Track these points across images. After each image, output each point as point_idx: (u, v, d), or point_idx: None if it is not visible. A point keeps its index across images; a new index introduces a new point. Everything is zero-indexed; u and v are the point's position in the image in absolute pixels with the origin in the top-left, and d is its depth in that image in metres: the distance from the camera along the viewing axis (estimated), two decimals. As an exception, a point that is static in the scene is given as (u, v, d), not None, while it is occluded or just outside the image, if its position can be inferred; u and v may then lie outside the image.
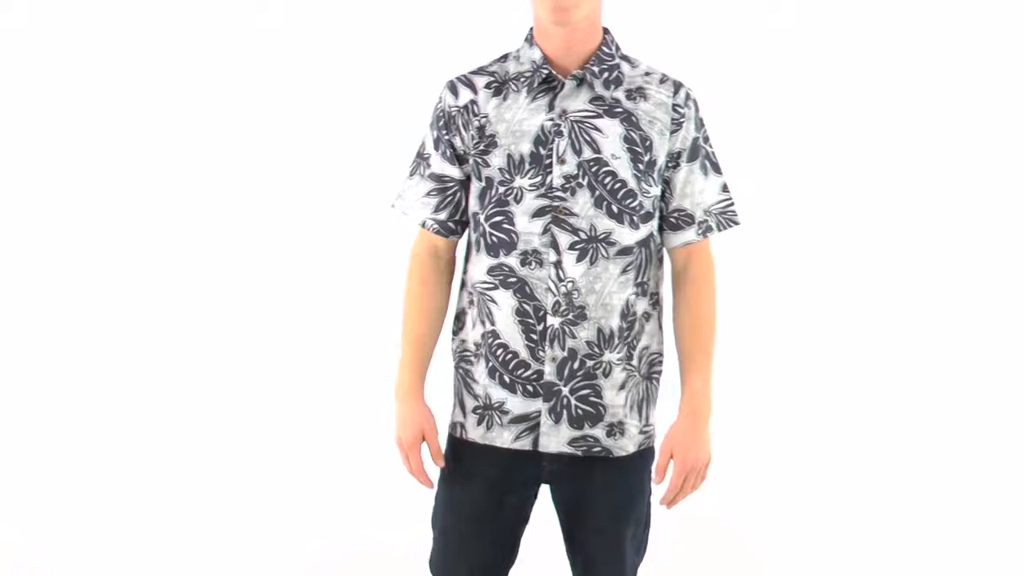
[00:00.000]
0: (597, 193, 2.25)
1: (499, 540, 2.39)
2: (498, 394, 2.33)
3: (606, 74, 2.28)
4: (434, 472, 2.46)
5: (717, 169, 2.34)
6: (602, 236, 2.25)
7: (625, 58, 2.33)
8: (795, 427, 3.90)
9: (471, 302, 2.37)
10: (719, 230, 2.33)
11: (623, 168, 2.25)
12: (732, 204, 2.35)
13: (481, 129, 2.31)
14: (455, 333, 2.43)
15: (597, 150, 2.25)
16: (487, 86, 2.33)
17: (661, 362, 2.38)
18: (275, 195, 3.96)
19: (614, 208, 2.25)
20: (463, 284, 2.41)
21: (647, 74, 2.31)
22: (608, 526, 2.32)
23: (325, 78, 3.95)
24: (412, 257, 2.44)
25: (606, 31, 2.33)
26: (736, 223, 2.35)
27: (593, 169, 2.25)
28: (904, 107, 3.92)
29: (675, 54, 3.90)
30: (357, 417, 3.90)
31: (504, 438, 2.33)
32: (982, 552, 3.70)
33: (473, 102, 2.33)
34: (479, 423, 2.35)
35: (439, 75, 3.89)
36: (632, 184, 2.25)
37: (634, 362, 2.31)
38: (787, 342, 3.94)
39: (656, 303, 2.36)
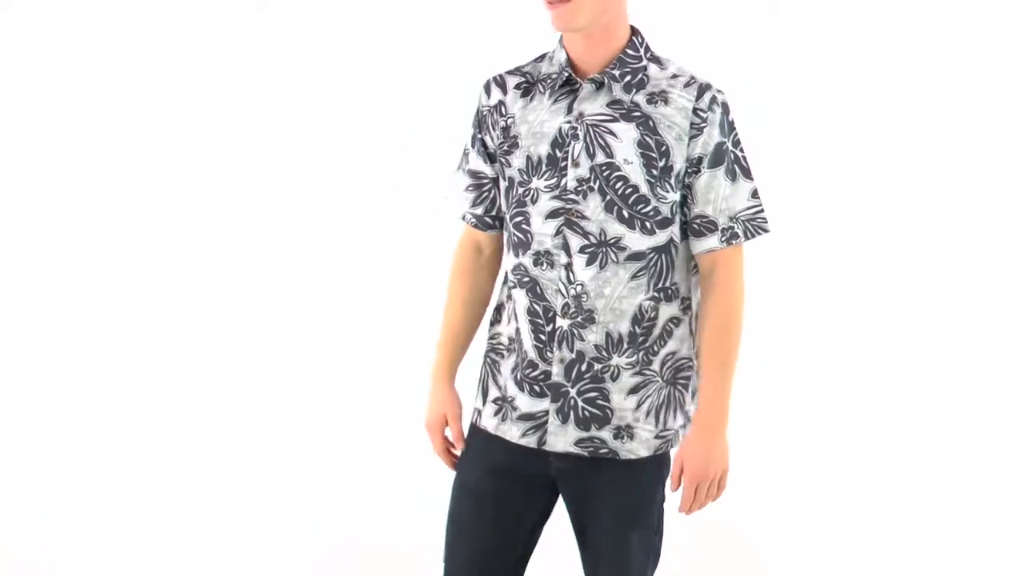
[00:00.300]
0: (608, 198, 2.24)
1: (498, 533, 2.39)
2: (512, 389, 2.36)
3: (628, 77, 2.25)
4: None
5: (748, 175, 2.29)
6: (612, 241, 2.24)
7: (656, 59, 2.29)
8: (810, 434, 3.89)
9: (508, 297, 2.40)
10: (747, 238, 2.27)
11: (635, 173, 2.23)
12: (762, 211, 2.29)
13: (506, 129, 2.34)
14: (492, 324, 2.46)
15: (610, 155, 2.23)
16: (517, 87, 2.34)
17: (691, 367, 2.35)
18: (276, 195, 3.96)
19: (625, 213, 2.24)
20: (505, 279, 2.44)
21: (674, 76, 2.27)
22: (614, 527, 2.31)
23: (325, 78, 3.95)
24: (456, 248, 2.50)
25: (636, 32, 2.30)
26: (765, 230, 2.29)
27: (605, 174, 2.24)
28: (905, 108, 3.91)
29: (674, 55, 3.90)
30: (358, 417, 3.90)
31: (512, 433, 2.35)
32: (996, 559, 3.71)
33: (502, 102, 2.35)
34: (495, 414, 2.39)
35: (439, 75, 3.92)
36: (644, 189, 2.23)
37: (654, 367, 2.29)
38: (802, 349, 3.93)
39: (687, 308, 2.34)
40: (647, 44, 2.30)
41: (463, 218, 2.45)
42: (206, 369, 3.94)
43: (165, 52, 3.94)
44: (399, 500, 3.77)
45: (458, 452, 2.48)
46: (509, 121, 2.33)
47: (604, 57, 2.26)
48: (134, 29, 3.93)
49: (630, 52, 2.27)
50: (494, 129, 2.36)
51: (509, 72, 2.38)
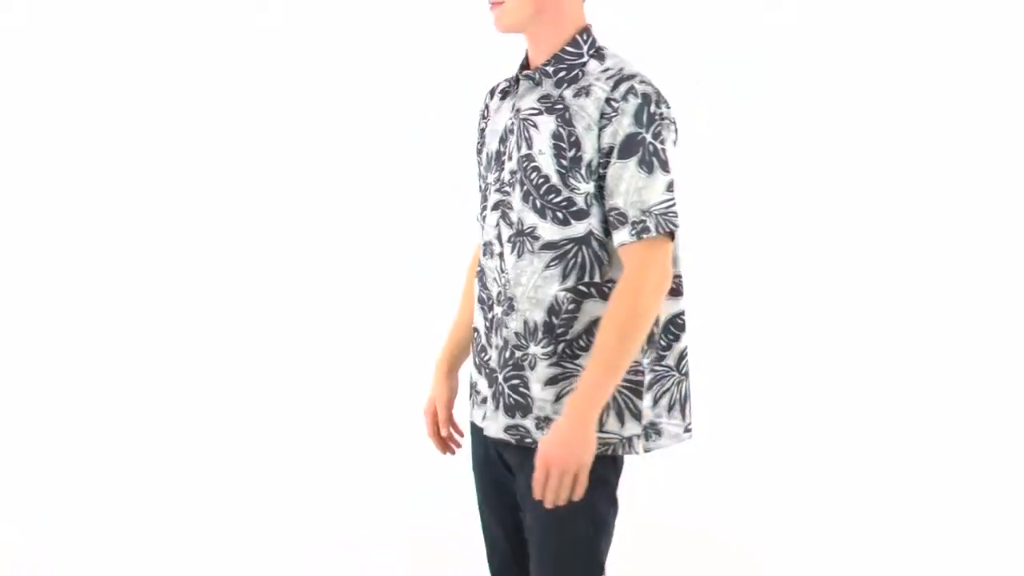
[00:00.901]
0: (525, 188, 2.27)
1: (500, 522, 2.43)
2: (474, 375, 2.42)
3: (562, 73, 2.28)
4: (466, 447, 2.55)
5: (665, 168, 2.21)
6: (528, 230, 2.27)
7: (600, 56, 2.30)
8: (797, 436, 3.89)
9: None
10: (658, 232, 2.18)
11: (546, 164, 2.25)
12: (673, 205, 2.22)
13: (482, 131, 2.44)
14: None
15: (530, 146, 2.28)
16: (502, 90, 2.41)
17: (639, 372, 2.28)
18: (276, 195, 3.97)
19: (538, 203, 2.26)
20: None
21: (605, 70, 2.27)
22: (536, 527, 2.28)
23: (325, 78, 3.95)
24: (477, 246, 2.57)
25: (585, 29, 2.31)
26: (675, 226, 2.21)
27: (524, 165, 2.28)
28: (904, 107, 3.91)
29: (674, 54, 3.90)
30: (357, 417, 3.90)
31: (477, 416, 2.40)
32: (982, 558, 3.71)
33: (487, 106, 2.44)
34: (469, 398, 2.45)
35: (439, 75, 3.93)
36: (555, 180, 2.24)
37: (580, 362, 2.27)
38: (787, 347, 3.94)
39: None
40: (593, 41, 2.31)
41: (476, 219, 2.50)
42: (206, 369, 3.94)
43: (165, 52, 3.94)
44: (398, 500, 3.78)
45: (446, 437, 2.55)
46: (485, 123, 2.43)
47: (547, 54, 2.30)
48: (134, 29, 3.94)
49: (569, 49, 2.29)
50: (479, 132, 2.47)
51: (508, 78, 2.44)
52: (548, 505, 2.19)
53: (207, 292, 3.96)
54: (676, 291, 2.34)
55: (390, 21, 3.95)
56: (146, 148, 3.97)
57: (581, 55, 2.28)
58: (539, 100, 2.28)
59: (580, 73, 2.27)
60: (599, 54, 2.29)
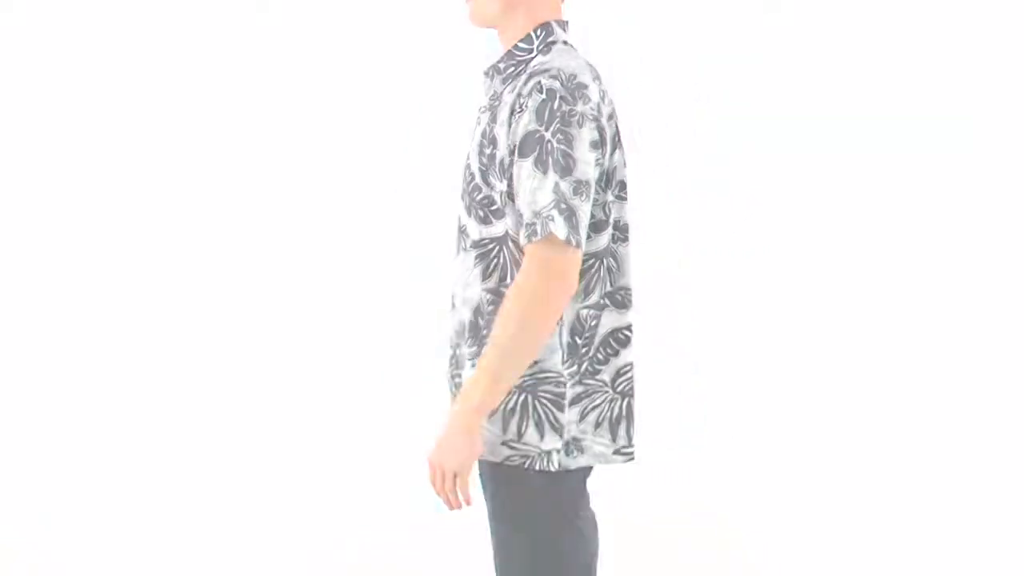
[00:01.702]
0: (462, 187, 2.23)
1: None
2: None
3: (510, 70, 2.21)
4: None
5: (558, 169, 2.06)
6: (462, 228, 2.22)
7: (546, 51, 2.20)
8: (796, 438, 3.90)
9: None
10: (542, 235, 2.03)
11: (474, 161, 2.19)
12: (552, 208, 2.05)
13: None
14: None
15: (470, 145, 2.25)
16: None
17: (560, 383, 2.14)
18: (276, 195, 3.97)
19: (466, 200, 2.21)
20: None
21: (536, 65, 2.16)
22: (490, 527, 2.24)
23: (325, 78, 3.95)
24: None
25: (545, 24, 2.22)
26: (549, 231, 2.04)
27: (464, 165, 2.25)
28: (902, 109, 3.92)
29: (672, 56, 3.91)
30: (357, 417, 3.91)
31: None
32: (980, 556, 3.71)
33: None
34: None
35: (439, 75, 3.93)
36: (478, 178, 2.17)
37: None
38: (787, 349, 3.94)
39: (558, 319, 2.11)
40: (546, 36, 2.21)
41: None
42: (205, 369, 3.94)
43: (165, 52, 3.94)
44: (398, 500, 3.78)
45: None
46: None
47: (506, 51, 2.25)
48: (134, 29, 3.94)
49: (521, 45, 2.21)
50: None
51: None
52: (447, 507, 2.15)
53: (206, 291, 3.97)
54: (621, 304, 2.21)
55: (390, 21, 3.95)
56: (146, 147, 3.97)
57: (531, 51, 2.19)
58: (489, 98, 2.22)
59: (524, 69, 2.18)
60: (547, 49, 2.19)
